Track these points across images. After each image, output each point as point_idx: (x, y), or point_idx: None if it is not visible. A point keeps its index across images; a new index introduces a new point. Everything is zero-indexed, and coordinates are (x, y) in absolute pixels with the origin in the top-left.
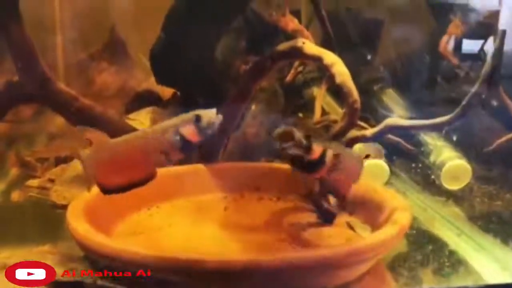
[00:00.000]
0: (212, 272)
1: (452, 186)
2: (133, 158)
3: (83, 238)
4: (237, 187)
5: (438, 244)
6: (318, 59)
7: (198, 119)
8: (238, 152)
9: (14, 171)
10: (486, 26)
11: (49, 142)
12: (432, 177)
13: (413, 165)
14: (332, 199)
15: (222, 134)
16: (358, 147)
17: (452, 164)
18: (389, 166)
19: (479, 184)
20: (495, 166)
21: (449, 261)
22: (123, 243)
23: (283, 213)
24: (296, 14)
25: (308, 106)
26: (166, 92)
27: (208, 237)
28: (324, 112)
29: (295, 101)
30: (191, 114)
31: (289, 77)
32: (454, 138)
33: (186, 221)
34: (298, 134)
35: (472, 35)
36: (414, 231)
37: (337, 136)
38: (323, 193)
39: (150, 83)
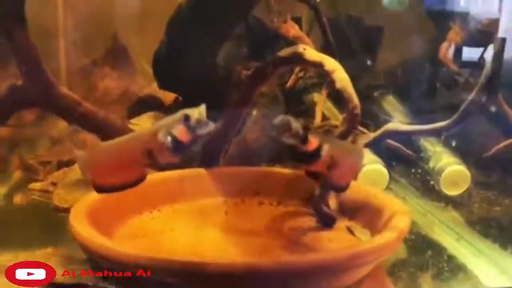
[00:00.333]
0: (213, 276)
1: (451, 191)
2: (125, 159)
3: (86, 240)
4: (238, 192)
5: (437, 249)
6: (319, 65)
7: (187, 118)
8: (239, 156)
9: (17, 174)
10: (486, 34)
11: (51, 146)
12: (432, 182)
13: (413, 170)
14: (332, 203)
15: (223, 139)
16: None
17: (451, 169)
18: (389, 171)
19: (478, 189)
20: (494, 172)
21: (448, 266)
22: (126, 245)
23: (283, 217)
24: (297, 20)
25: (308, 111)
26: (168, 97)
27: (210, 241)
28: (324, 118)
29: (296, 106)
30: (180, 114)
31: (290, 83)
32: (453, 144)
33: (189, 225)
34: (296, 124)
35: (472, 43)
36: (414, 236)
37: None
38: (323, 196)
39: (152, 88)
